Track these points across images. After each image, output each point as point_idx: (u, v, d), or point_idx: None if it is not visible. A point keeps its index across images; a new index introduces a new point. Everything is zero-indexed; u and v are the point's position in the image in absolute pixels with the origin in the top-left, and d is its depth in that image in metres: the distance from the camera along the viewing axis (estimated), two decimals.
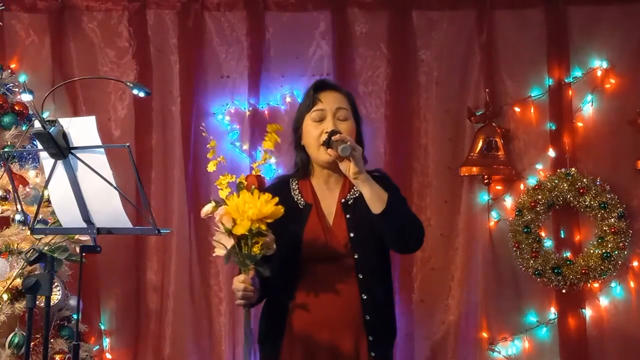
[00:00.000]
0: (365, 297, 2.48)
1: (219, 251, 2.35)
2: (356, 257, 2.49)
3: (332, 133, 2.47)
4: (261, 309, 2.66)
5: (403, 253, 2.62)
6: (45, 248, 3.18)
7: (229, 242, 2.32)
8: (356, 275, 2.49)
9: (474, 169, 4.17)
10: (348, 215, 2.54)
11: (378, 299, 2.51)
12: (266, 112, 4.31)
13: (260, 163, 2.47)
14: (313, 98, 2.58)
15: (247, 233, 2.28)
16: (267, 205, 2.29)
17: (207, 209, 2.40)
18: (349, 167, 2.42)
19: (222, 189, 2.39)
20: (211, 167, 2.47)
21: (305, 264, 2.51)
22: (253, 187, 2.34)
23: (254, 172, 2.45)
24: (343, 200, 2.57)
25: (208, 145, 2.49)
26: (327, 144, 2.46)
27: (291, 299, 2.52)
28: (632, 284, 4.13)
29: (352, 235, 2.51)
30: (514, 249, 4.15)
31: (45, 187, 2.43)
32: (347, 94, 2.64)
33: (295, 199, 2.60)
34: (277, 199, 2.32)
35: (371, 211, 2.43)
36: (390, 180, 2.63)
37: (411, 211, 2.57)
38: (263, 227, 2.29)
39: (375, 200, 2.41)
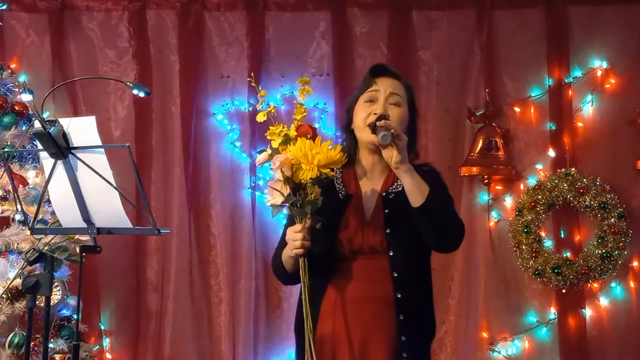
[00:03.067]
0: (399, 296, 2.40)
1: (274, 199, 2.30)
2: (391, 254, 2.40)
3: (381, 117, 2.37)
4: (297, 299, 2.56)
5: (439, 251, 2.52)
6: (45, 248, 3.18)
7: (285, 190, 2.28)
8: (391, 273, 2.40)
9: (474, 169, 4.17)
10: (387, 210, 2.44)
11: (413, 298, 2.43)
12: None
13: (298, 116, 2.35)
14: (369, 81, 2.50)
15: (310, 180, 2.25)
16: (332, 151, 2.26)
17: (262, 156, 2.34)
18: (391, 156, 2.32)
19: (274, 139, 2.32)
20: (260, 117, 2.39)
21: (340, 258, 2.43)
22: (308, 135, 2.28)
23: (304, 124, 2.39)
24: (384, 193, 2.47)
25: (258, 96, 2.43)
26: (373, 128, 2.35)
27: (325, 292, 2.44)
28: (632, 284, 4.14)
29: (388, 231, 2.41)
30: (514, 249, 4.15)
31: (45, 187, 2.43)
32: (406, 84, 2.55)
33: (337, 188, 2.51)
34: (339, 146, 2.29)
35: (411, 205, 2.35)
36: (438, 177, 2.53)
37: (453, 210, 2.46)
38: (331, 173, 2.27)
39: (415, 192, 2.33)
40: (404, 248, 2.41)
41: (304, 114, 2.35)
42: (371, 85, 2.49)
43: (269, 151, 2.33)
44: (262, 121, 2.40)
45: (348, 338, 2.39)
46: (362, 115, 2.46)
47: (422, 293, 2.50)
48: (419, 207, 2.32)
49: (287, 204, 2.30)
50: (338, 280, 2.42)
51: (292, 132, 2.32)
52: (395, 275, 2.40)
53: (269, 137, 2.34)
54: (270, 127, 2.33)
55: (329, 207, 2.38)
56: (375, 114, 2.41)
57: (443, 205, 2.38)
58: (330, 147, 2.28)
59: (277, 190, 2.29)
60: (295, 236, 2.30)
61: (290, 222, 2.40)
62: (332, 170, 2.30)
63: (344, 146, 2.52)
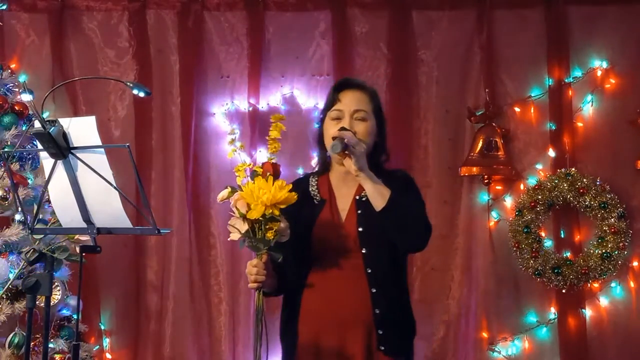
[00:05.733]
0: (374, 291, 2.50)
1: (234, 235, 2.39)
2: (364, 251, 2.51)
3: (341, 129, 2.50)
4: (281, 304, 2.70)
5: (406, 251, 2.66)
6: (46, 248, 3.18)
7: (243, 227, 2.36)
8: (365, 270, 2.51)
9: (474, 169, 4.17)
10: (359, 211, 2.56)
11: (388, 293, 2.53)
12: (266, 112, 4.31)
13: (271, 151, 2.47)
14: (333, 97, 2.62)
15: (260, 218, 2.32)
16: (280, 192, 2.33)
17: (222, 194, 2.43)
18: (351, 164, 2.45)
19: (239, 176, 2.42)
20: (230, 155, 2.51)
21: (316, 258, 2.54)
22: (268, 174, 2.37)
23: (269, 160, 2.47)
24: (358, 197, 2.59)
25: (228, 134, 2.52)
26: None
27: (303, 293, 2.56)
28: (632, 284, 4.13)
29: (360, 230, 2.53)
30: (514, 249, 4.15)
31: (45, 187, 2.43)
32: (370, 93, 2.66)
33: (312, 194, 2.64)
34: (290, 186, 2.36)
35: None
36: (408, 180, 2.66)
37: (418, 211, 2.57)
38: (276, 212, 2.33)
39: (377, 197, 2.45)
40: (377, 246, 2.52)
41: (276, 149, 2.45)
42: (336, 103, 2.61)
43: (229, 188, 2.43)
44: (230, 157, 2.50)
45: (327, 334, 2.50)
46: (330, 132, 2.57)
47: (397, 289, 2.60)
48: (380, 210, 2.45)
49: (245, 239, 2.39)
50: (316, 278, 2.54)
51: (259, 169, 2.42)
52: (370, 271, 2.51)
53: (236, 173, 2.44)
54: (239, 164, 2.44)
55: (304, 211, 2.55)
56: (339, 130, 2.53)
57: (406, 208, 2.50)
58: (281, 187, 2.35)
59: (234, 227, 2.38)
60: (251, 270, 2.41)
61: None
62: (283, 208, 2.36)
63: (318, 158, 2.70)
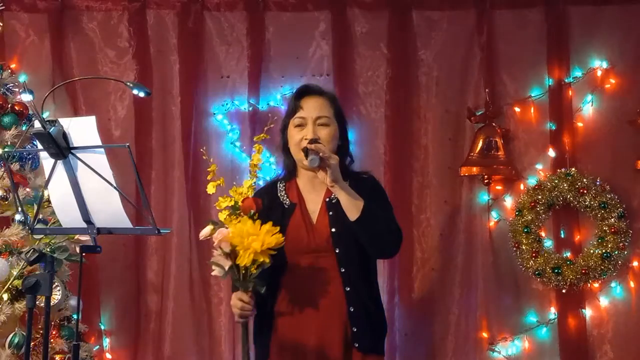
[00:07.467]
0: (348, 289, 2.56)
1: (216, 272, 2.43)
2: (337, 251, 2.58)
3: (312, 141, 2.56)
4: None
5: (378, 258, 2.76)
6: (46, 248, 3.18)
7: (227, 263, 2.40)
8: (339, 269, 2.57)
9: (474, 169, 4.17)
10: (331, 213, 2.62)
11: (361, 291, 2.60)
12: (266, 112, 4.31)
13: (250, 182, 2.51)
14: (295, 105, 2.68)
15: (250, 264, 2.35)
16: (270, 237, 2.36)
17: (205, 231, 2.48)
18: (325, 177, 2.51)
19: (221, 211, 2.46)
20: (210, 189, 2.57)
21: (289, 260, 2.60)
22: (252, 211, 2.39)
23: (242, 191, 2.50)
24: (328, 199, 2.65)
25: (208, 169, 2.57)
26: (306, 152, 2.54)
27: (278, 294, 2.62)
28: (632, 284, 4.13)
29: (333, 230, 2.59)
30: (514, 249, 4.15)
31: (45, 187, 2.43)
32: (330, 98, 2.73)
33: (281, 199, 2.70)
34: (277, 228, 2.40)
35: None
36: (376, 185, 2.73)
37: (389, 219, 2.63)
38: (267, 260, 2.36)
39: (351, 207, 2.51)
40: (349, 246, 2.59)
41: (256, 175, 2.53)
42: (298, 110, 2.67)
43: (212, 226, 2.46)
44: (211, 193, 2.59)
45: (303, 333, 2.57)
46: (296, 139, 2.64)
47: (369, 287, 2.67)
48: (355, 221, 2.51)
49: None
50: (290, 279, 2.61)
51: (239, 194, 2.48)
52: (343, 270, 2.59)
53: (217, 207, 2.49)
54: (220, 199, 2.49)
55: (275, 216, 2.60)
56: (306, 138, 2.60)
57: (378, 217, 2.56)
58: (268, 231, 2.38)
59: (218, 265, 2.41)
60: (236, 303, 2.49)
61: None
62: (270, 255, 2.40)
63: (284, 164, 2.76)
